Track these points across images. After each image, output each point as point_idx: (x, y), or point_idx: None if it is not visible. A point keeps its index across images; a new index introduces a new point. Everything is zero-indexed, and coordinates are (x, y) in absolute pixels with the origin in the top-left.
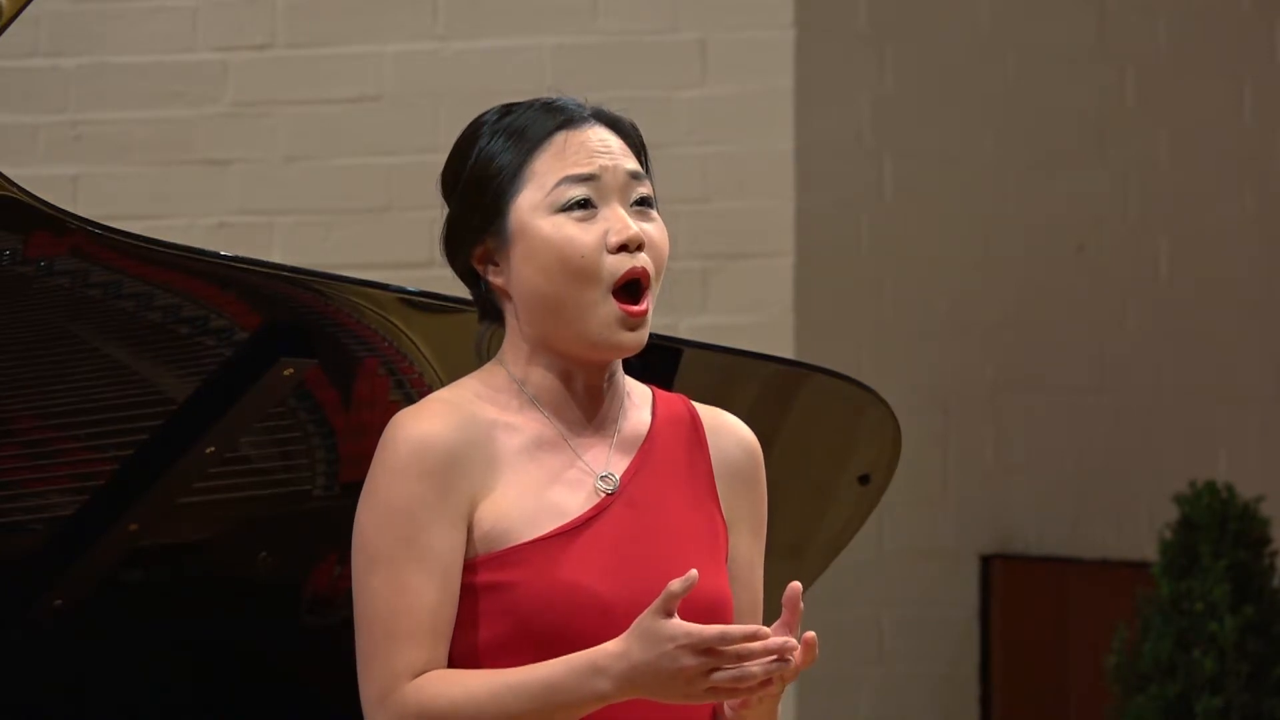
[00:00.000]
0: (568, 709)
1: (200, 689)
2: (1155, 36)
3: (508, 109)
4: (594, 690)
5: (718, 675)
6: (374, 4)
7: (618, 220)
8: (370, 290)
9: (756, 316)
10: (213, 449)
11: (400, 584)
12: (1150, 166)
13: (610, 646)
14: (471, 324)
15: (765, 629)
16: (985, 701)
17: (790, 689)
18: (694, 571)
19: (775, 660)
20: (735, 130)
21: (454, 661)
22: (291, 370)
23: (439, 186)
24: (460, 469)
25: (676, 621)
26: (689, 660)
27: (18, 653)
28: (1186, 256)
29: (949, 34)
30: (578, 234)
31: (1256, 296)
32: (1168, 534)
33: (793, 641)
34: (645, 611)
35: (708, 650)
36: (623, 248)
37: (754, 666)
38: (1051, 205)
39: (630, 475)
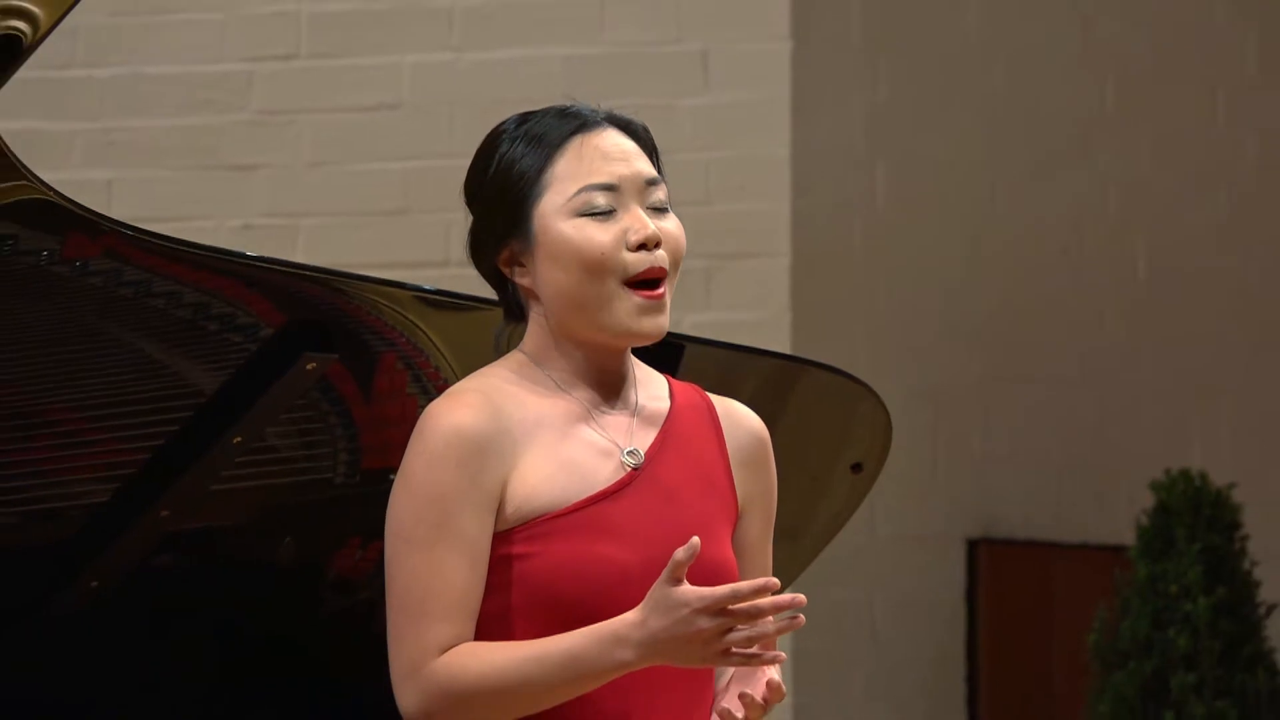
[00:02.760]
0: (590, 678)
1: (227, 668)
2: (1135, 47)
3: (524, 117)
4: (616, 659)
5: (732, 635)
6: (393, 17)
7: (636, 220)
8: (388, 289)
9: (755, 314)
10: (240, 439)
11: (433, 566)
12: (1130, 171)
13: (629, 617)
14: (484, 321)
15: (775, 580)
16: (972, 679)
17: (787, 668)
18: (695, 539)
19: (786, 616)
20: (735, 137)
21: (486, 624)
22: (314, 365)
23: (462, 194)
24: (491, 456)
25: (687, 587)
26: (704, 622)
27: (55, 632)
28: (1164, 257)
29: (939, 45)
30: (597, 234)
31: (1229, 295)
32: (1144, 519)
33: (801, 598)
34: (656, 582)
35: (721, 611)
36: (641, 246)
37: (767, 624)
38: (1036, 209)
39: (655, 451)
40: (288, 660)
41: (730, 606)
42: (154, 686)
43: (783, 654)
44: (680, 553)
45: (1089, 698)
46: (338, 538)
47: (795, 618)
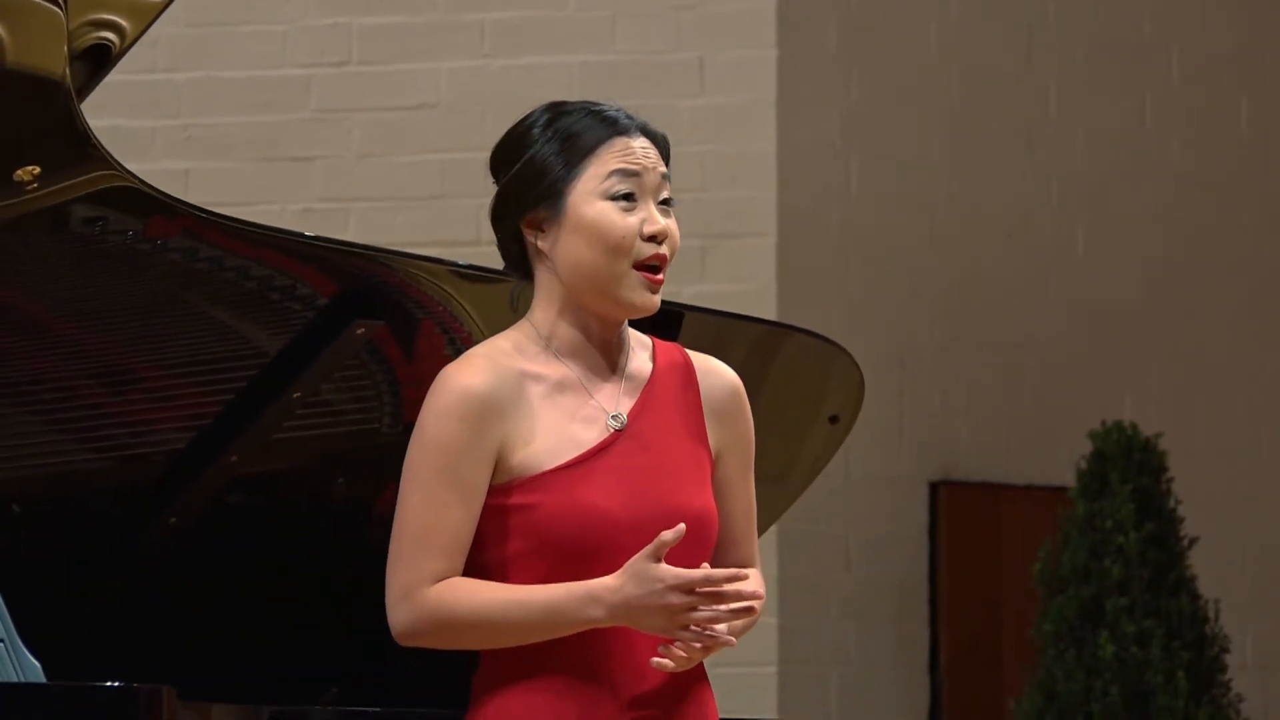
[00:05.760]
0: (563, 628)
1: (284, 590)
2: (1074, 58)
3: (559, 109)
4: (588, 616)
5: (695, 614)
6: (432, 28)
7: (651, 215)
8: (427, 264)
9: (745, 286)
10: (299, 394)
11: (433, 503)
12: (1069, 165)
13: (608, 581)
14: (510, 292)
15: (745, 571)
16: (933, 603)
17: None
18: (682, 525)
19: (743, 606)
20: (728, 134)
21: (487, 568)
22: (363, 330)
23: (489, 165)
24: (493, 414)
25: (666, 566)
26: (674, 599)
27: (139, 562)
28: (1098, 240)
29: (904, 56)
30: (620, 219)
31: (1155, 272)
32: (1083, 464)
33: (762, 593)
34: (638, 555)
35: (691, 590)
36: (652, 238)
37: (724, 609)
38: (988, 197)
39: (636, 413)
40: (336, 584)
41: (700, 589)
42: (222, 607)
43: (733, 639)
44: (667, 534)
45: (1035, 619)
46: (382, 480)
47: (751, 608)
